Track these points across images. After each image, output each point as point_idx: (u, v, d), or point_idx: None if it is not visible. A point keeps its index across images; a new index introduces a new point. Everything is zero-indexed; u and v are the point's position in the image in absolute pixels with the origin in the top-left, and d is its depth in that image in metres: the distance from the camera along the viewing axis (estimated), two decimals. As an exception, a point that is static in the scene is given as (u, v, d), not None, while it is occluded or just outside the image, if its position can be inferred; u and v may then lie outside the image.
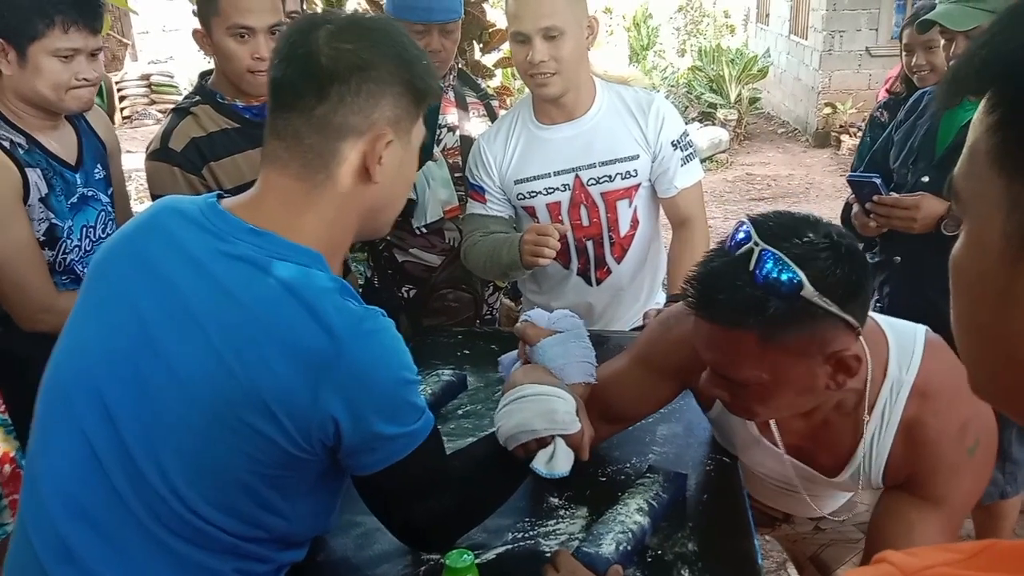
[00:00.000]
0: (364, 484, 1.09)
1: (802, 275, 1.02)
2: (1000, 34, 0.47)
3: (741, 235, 1.08)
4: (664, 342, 1.39)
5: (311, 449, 1.01)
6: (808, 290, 1.02)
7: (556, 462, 1.17)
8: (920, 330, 1.25)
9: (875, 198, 1.96)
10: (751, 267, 1.04)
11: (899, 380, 1.21)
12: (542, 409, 1.20)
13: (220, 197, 1.09)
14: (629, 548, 1.20)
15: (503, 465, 1.22)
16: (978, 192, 0.48)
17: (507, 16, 1.88)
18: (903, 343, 1.23)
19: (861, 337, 1.14)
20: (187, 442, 0.99)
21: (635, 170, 1.94)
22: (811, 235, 1.06)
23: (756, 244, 1.05)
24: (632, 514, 1.25)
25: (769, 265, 1.03)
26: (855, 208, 2.10)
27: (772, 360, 1.07)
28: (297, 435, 0.98)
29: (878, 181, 1.97)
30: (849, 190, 2.14)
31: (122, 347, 1.02)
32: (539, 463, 1.18)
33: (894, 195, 1.98)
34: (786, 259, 1.03)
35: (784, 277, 1.02)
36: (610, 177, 1.94)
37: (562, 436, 1.20)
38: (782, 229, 1.07)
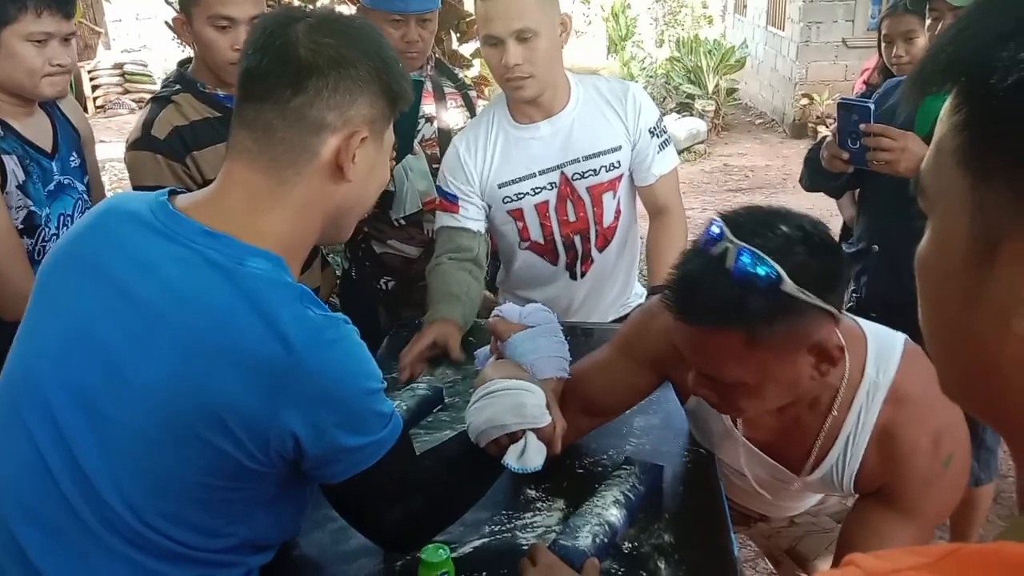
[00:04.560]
0: (332, 491, 1.07)
1: (780, 269, 1.01)
2: (966, 30, 0.46)
3: (715, 231, 1.06)
4: (646, 331, 1.39)
5: (269, 462, 0.97)
6: (788, 284, 1.01)
7: (528, 456, 1.17)
8: (900, 337, 1.25)
9: (862, 126, 1.86)
10: (727, 265, 1.02)
11: (875, 383, 1.21)
12: (511, 403, 1.19)
13: (173, 194, 1.05)
14: (606, 540, 1.20)
15: (475, 463, 1.21)
16: (944, 190, 0.47)
17: (477, 19, 1.85)
18: (882, 347, 1.23)
19: (840, 336, 1.13)
20: (139, 453, 0.95)
21: (618, 161, 1.93)
22: (784, 228, 1.05)
23: (731, 242, 1.03)
24: (608, 506, 1.25)
25: (746, 262, 1.01)
26: (828, 139, 1.99)
27: (758, 358, 1.06)
28: (254, 449, 0.95)
29: (871, 107, 1.88)
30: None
31: (71, 357, 0.98)
32: (510, 458, 1.17)
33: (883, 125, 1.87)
34: (762, 254, 1.02)
35: (762, 272, 1.01)
36: (595, 171, 1.93)
37: (533, 430, 1.19)
38: (755, 224, 1.06)
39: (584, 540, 1.17)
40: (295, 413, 0.93)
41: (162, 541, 0.98)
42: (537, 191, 1.94)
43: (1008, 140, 0.43)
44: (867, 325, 1.27)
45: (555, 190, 1.94)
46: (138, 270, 0.98)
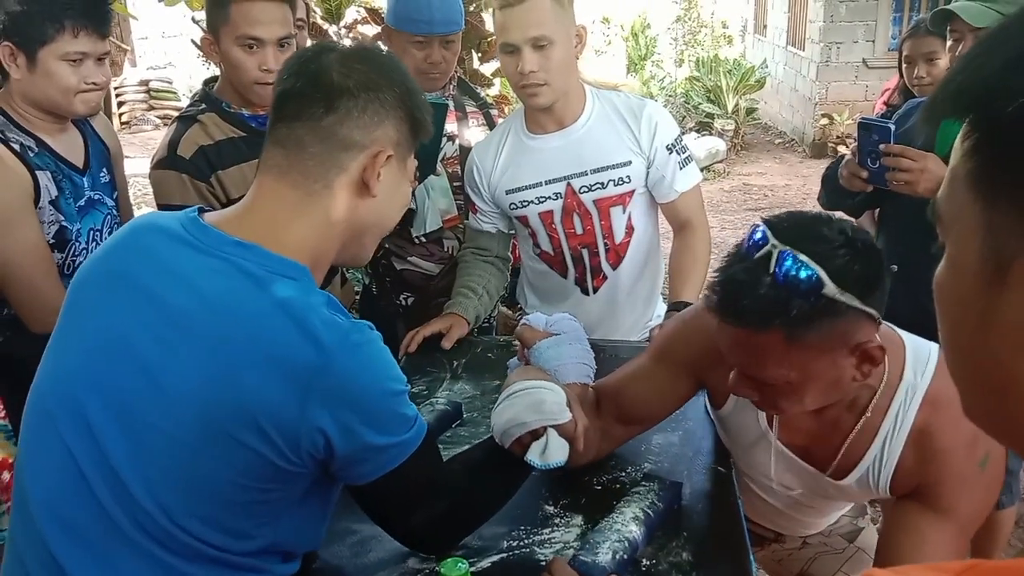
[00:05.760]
0: (360, 493, 1.10)
1: (822, 273, 1.05)
2: (977, 59, 0.47)
3: (758, 235, 1.10)
4: (681, 336, 1.41)
5: (300, 462, 1.00)
6: (829, 288, 1.05)
7: (550, 452, 1.19)
8: (934, 345, 1.27)
9: (882, 146, 1.87)
10: (771, 269, 1.06)
11: (913, 385, 1.23)
12: (531, 401, 1.22)
13: (201, 211, 1.10)
14: (625, 557, 1.20)
15: (501, 466, 1.24)
16: (957, 215, 0.48)
17: (495, 28, 1.89)
18: (919, 352, 1.25)
19: (880, 338, 1.17)
20: (174, 456, 0.99)
21: (628, 176, 1.94)
22: (826, 232, 1.09)
23: (774, 246, 1.07)
24: (628, 522, 1.25)
25: (789, 265, 1.05)
26: (847, 157, 2.00)
27: (799, 358, 1.10)
28: (286, 449, 0.98)
29: (892, 128, 1.88)
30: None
31: (105, 366, 1.01)
32: (533, 455, 1.20)
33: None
34: (804, 258, 1.05)
35: (804, 276, 1.05)
36: (602, 184, 1.94)
37: (554, 427, 1.22)
38: (797, 229, 1.09)
39: (604, 556, 1.18)
40: (325, 412, 0.97)
41: (193, 543, 1.00)
42: (542, 200, 1.97)
43: (1015, 163, 0.44)
44: (903, 332, 1.30)
45: (560, 201, 1.96)
46: (169, 280, 1.02)
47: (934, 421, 1.21)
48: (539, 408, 1.21)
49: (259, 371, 0.96)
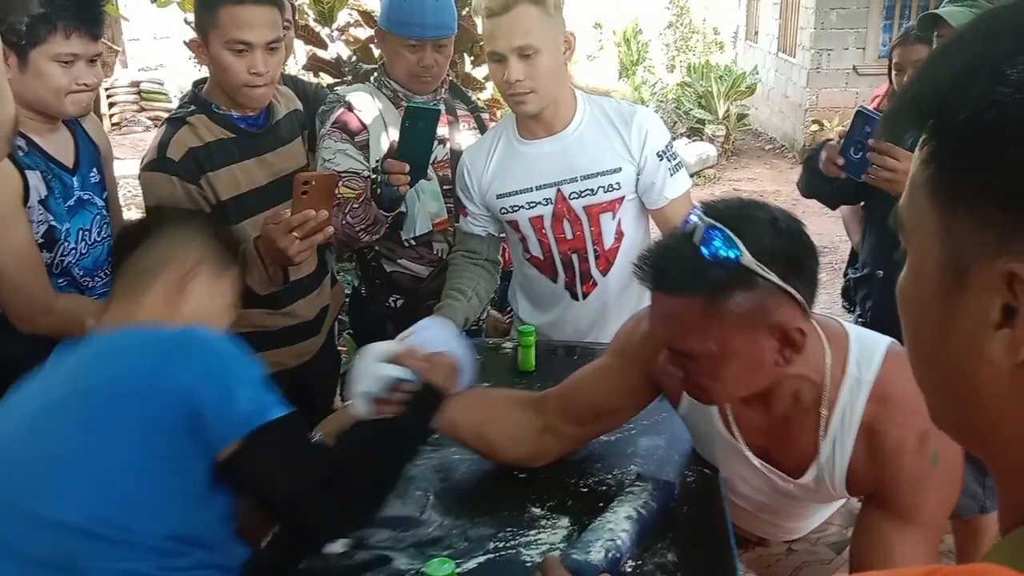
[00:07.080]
0: (233, 468, 1.15)
1: (741, 245, 1.10)
2: (932, 69, 0.48)
3: (693, 216, 1.16)
4: (636, 332, 1.44)
5: (176, 432, 1.12)
6: (747, 258, 1.10)
7: (370, 374, 1.39)
8: (884, 339, 1.29)
9: (871, 141, 1.88)
10: (695, 240, 1.13)
11: (858, 380, 1.24)
12: (363, 362, 1.40)
13: None
14: (618, 556, 1.21)
15: (377, 431, 1.33)
16: (917, 222, 0.49)
17: (483, 36, 1.90)
18: (865, 346, 1.27)
19: (821, 332, 1.22)
20: (74, 450, 1.11)
21: (618, 183, 1.95)
22: (755, 212, 1.16)
23: (701, 220, 1.13)
24: (621, 522, 1.26)
25: (711, 236, 1.11)
26: (831, 142, 2.03)
27: (718, 328, 1.14)
28: (160, 410, 1.12)
29: None
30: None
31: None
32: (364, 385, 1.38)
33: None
34: (727, 231, 1.11)
35: (724, 246, 1.11)
36: (592, 191, 1.95)
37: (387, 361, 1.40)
38: (728, 209, 1.17)
39: (597, 555, 1.18)
40: (187, 370, 1.14)
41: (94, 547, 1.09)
42: (532, 205, 1.98)
43: (969, 171, 0.45)
44: (851, 327, 1.32)
45: (550, 206, 1.97)
46: (58, 362, 1.23)
47: (882, 418, 1.23)
48: (369, 356, 1.38)
49: (129, 356, 1.16)
